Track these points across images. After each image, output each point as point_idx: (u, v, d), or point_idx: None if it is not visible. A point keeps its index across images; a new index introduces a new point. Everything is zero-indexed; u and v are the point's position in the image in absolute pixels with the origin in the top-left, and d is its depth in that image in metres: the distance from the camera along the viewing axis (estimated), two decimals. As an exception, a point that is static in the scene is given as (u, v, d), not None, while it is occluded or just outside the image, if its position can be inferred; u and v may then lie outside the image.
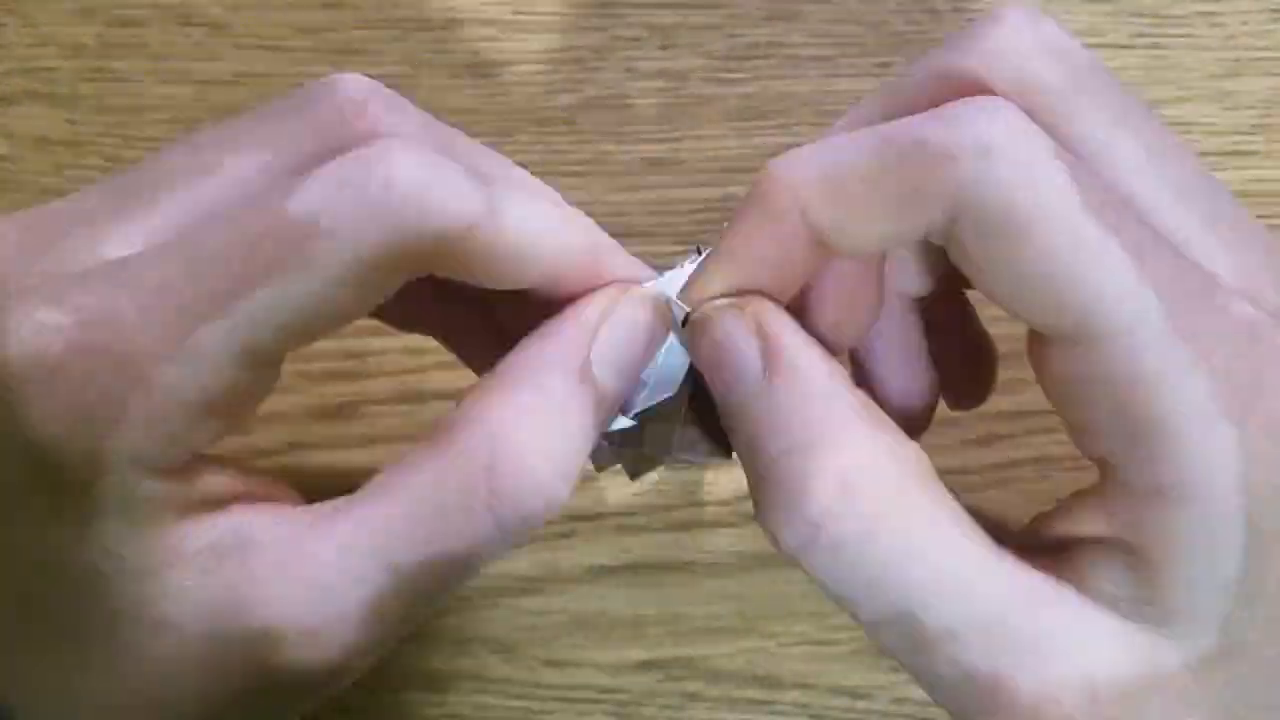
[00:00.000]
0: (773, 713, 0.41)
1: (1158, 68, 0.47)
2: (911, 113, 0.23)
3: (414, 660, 0.40)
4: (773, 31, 0.47)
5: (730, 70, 0.47)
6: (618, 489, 0.42)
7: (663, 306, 0.27)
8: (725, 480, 0.42)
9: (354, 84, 0.25)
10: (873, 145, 0.23)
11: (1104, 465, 0.24)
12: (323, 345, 0.43)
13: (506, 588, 0.41)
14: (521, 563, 0.41)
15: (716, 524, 0.42)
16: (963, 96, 0.23)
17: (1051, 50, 0.24)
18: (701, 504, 0.42)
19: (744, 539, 0.42)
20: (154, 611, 0.23)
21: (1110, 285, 0.22)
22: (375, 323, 0.43)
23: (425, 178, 0.22)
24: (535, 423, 0.24)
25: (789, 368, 0.24)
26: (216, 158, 0.25)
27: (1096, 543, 0.24)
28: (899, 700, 0.41)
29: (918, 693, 0.40)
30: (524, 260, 0.24)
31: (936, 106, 0.23)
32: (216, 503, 0.25)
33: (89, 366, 0.22)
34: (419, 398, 0.43)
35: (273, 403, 0.43)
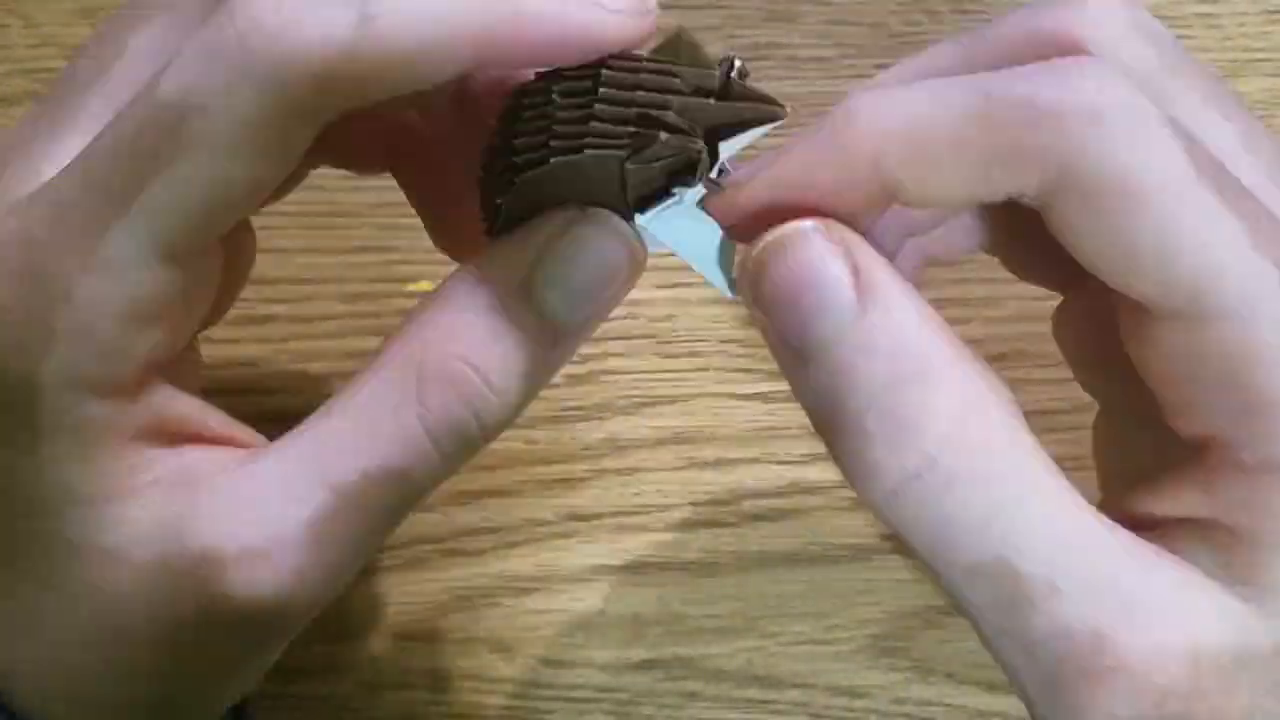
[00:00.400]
0: (772, 712, 0.41)
1: (1156, 69, 0.47)
2: (997, 68, 0.22)
3: (414, 660, 0.40)
4: (772, 33, 0.47)
5: (730, 71, 0.47)
6: (618, 489, 0.42)
7: (634, 242, 0.25)
8: (725, 480, 0.42)
9: None
10: (969, 99, 0.21)
11: (1207, 443, 0.23)
12: (325, 345, 0.43)
13: (506, 588, 0.41)
14: (522, 563, 0.41)
15: (716, 524, 0.42)
16: (1063, 57, 0.22)
17: (1144, 31, 0.24)
18: (701, 504, 0.42)
19: (744, 539, 0.42)
20: (103, 540, 0.23)
21: (1228, 259, 0.21)
22: (377, 322, 0.43)
23: (280, 17, 0.21)
24: (467, 335, 0.24)
25: (885, 298, 0.22)
26: (114, 49, 0.24)
27: (1188, 521, 0.23)
28: (899, 700, 0.41)
29: (917, 692, 0.41)
30: (422, 60, 0.22)
31: (1028, 64, 0.22)
32: (171, 436, 0.24)
33: (11, 290, 0.22)
34: (419, 398, 0.43)
35: (273, 402, 0.43)
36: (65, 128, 0.24)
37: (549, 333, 0.25)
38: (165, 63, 0.22)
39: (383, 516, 0.25)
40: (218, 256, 0.25)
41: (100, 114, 0.24)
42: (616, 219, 0.24)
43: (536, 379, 0.25)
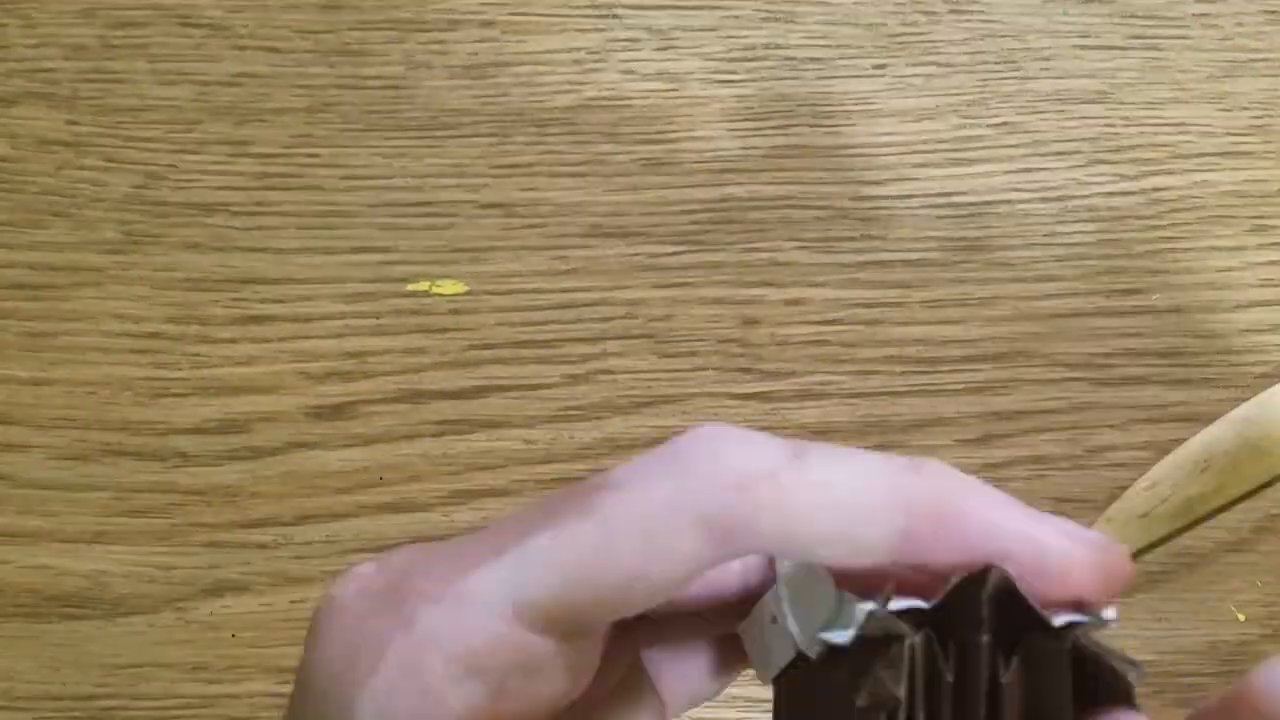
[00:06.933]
0: (771, 712, 0.41)
1: (1154, 69, 0.47)
2: None
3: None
4: (770, 33, 0.47)
5: (728, 71, 0.47)
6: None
7: None
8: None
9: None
10: None
11: None
12: (324, 345, 0.43)
13: (505, 587, 0.41)
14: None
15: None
16: None
17: None
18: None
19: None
20: None
21: None
22: (375, 322, 0.44)
23: (724, 436, 0.21)
24: None
25: None
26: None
27: None
28: (896, 699, 0.41)
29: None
30: (843, 513, 0.20)
31: None
32: None
33: (368, 606, 0.21)
34: (419, 398, 0.43)
35: (272, 402, 0.43)
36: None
37: None
38: None
39: None
40: (587, 654, 0.22)
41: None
42: None
43: None
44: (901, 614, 0.20)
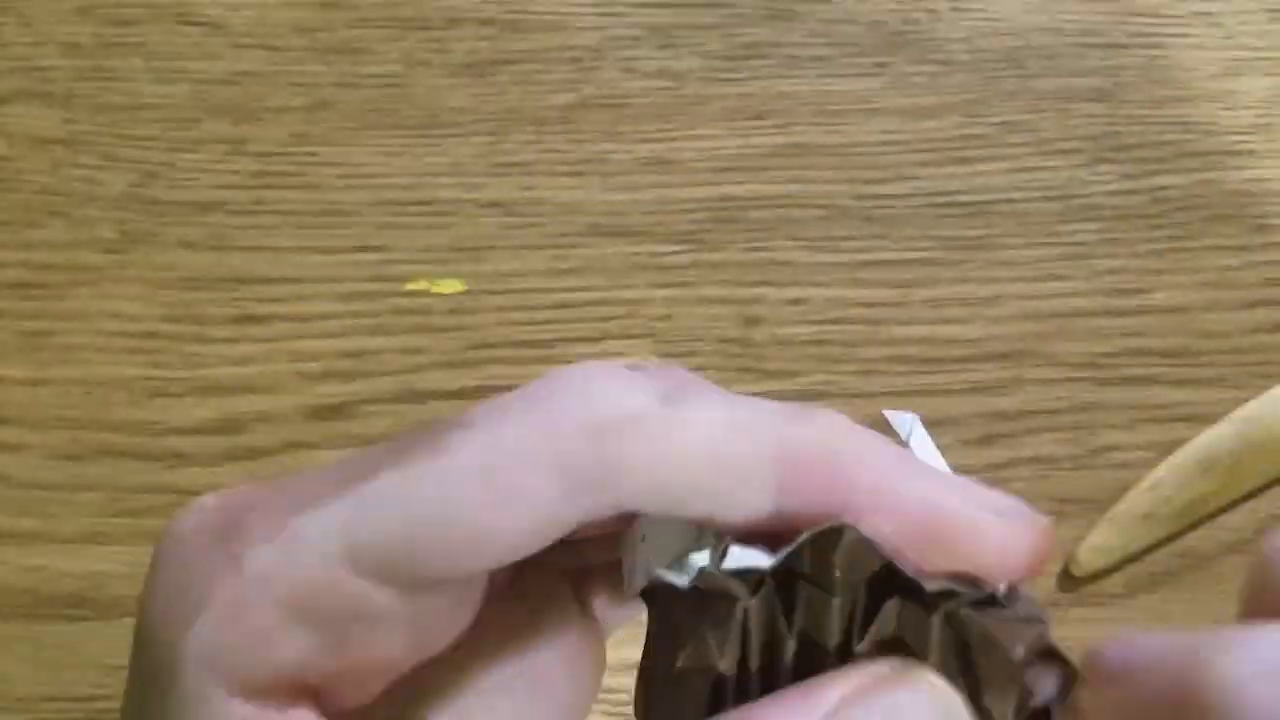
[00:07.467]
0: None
1: (1157, 68, 0.47)
2: None
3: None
4: (771, 31, 0.47)
5: (729, 70, 0.46)
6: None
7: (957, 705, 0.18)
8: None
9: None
10: None
11: None
12: (322, 345, 0.43)
13: (505, 588, 0.41)
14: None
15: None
16: None
17: None
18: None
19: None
20: None
21: None
22: (374, 321, 0.43)
23: (589, 374, 0.19)
24: None
25: None
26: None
27: None
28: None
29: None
30: (716, 464, 0.19)
31: None
32: None
33: (202, 542, 0.20)
34: (418, 397, 0.43)
35: (272, 403, 0.43)
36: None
37: None
38: None
39: None
40: (449, 609, 0.21)
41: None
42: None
43: None
44: (739, 573, 0.18)
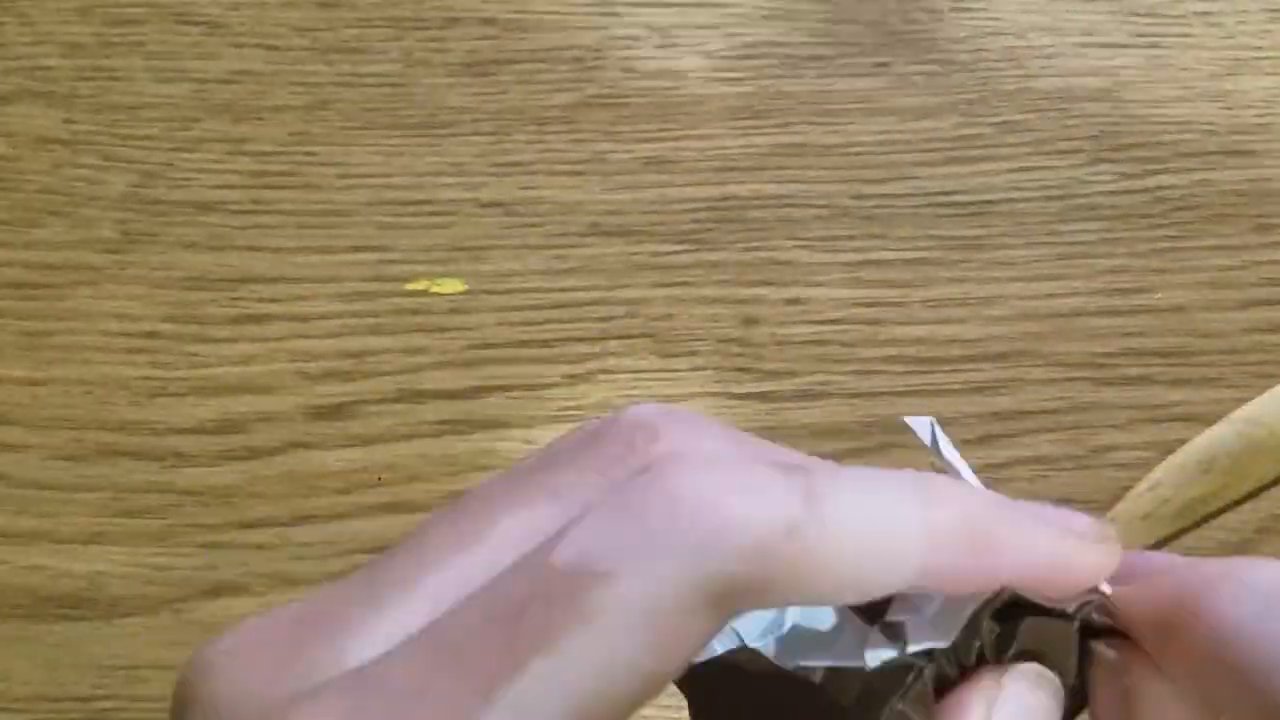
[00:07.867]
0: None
1: (1157, 67, 0.47)
2: None
3: (412, 660, 0.40)
4: (771, 31, 0.47)
5: (729, 70, 0.46)
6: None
7: (1056, 685, 0.21)
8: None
9: (643, 411, 0.21)
10: None
11: None
12: (322, 345, 0.43)
13: (504, 588, 0.41)
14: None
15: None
16: None
17: None
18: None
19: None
20: None
21: None
22: (374, 321, 0.43)
23: (719, 484, 0.18)
24: None
25: None
26: (478, 525, 0.21)
27: None
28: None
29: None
30: (869, 561, 0.19)
31: None
32: None
33: None
34: (417, 398, 0.43)
35: (270, 402, 0.43)
36: (394, 604, 0.20)
37: None
38: (535, 544, 0.19)
39: None
40: None
41: (440, 594, 0.20)
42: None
43: None
44: (922, 654, 0.20)
